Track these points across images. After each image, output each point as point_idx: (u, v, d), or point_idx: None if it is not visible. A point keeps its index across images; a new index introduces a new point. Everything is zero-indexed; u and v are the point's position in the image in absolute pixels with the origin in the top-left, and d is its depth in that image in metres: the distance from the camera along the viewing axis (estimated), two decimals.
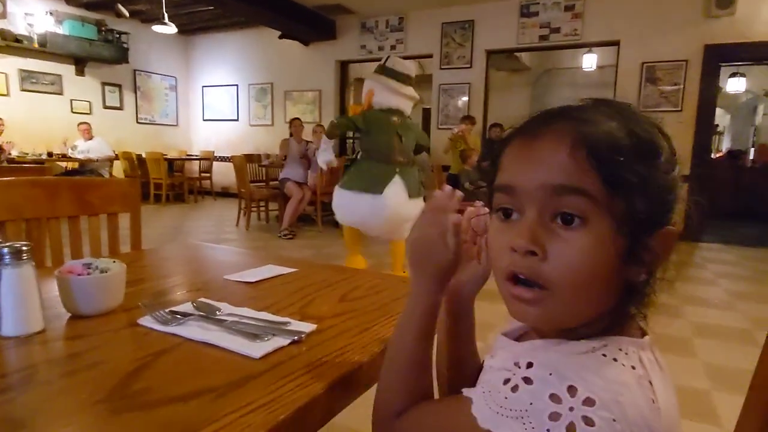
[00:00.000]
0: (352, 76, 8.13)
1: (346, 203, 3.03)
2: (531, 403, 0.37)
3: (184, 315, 0.72)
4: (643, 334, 0.45)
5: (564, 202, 0.39)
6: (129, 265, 1.04)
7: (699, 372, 2.19)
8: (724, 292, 3.49)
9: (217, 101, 8.47)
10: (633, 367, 0.39)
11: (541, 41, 5.89)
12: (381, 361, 0.64)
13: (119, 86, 7.73)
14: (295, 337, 0.66)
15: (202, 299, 0.79)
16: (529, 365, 0.39)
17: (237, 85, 8.19)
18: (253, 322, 0.70)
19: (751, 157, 9.01)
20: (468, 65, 6.28)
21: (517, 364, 0.39)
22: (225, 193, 8.26)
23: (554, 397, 0.36)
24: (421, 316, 0.52)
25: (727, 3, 4.90)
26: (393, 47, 6.71)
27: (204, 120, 8.71)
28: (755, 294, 3.46)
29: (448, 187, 0.53)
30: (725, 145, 10.87)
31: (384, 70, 3.05)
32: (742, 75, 8.00)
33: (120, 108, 7.79)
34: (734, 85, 8.09)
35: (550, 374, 0.37)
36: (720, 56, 5.11)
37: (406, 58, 7.23)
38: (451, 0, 6.03)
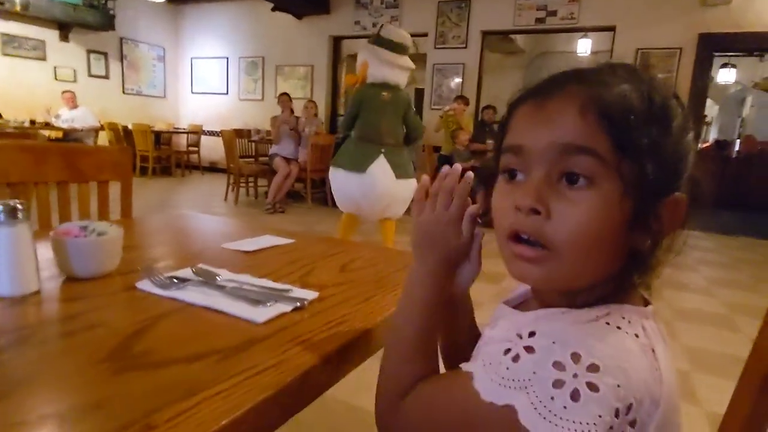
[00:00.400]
0: (345, 52, 7.99)
1: (340, 186, 3.03)
2: (534, 372, 0.36)
3: (183, 280, 0.71)
4: (647, 303, 0.45)
5: (572, 161, 0.39)
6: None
7: (679, 354, 2.25)
8: (703, 279, 3.57)
9: (207, 74, 8.29)
10: (636, 335, 0.39)
11: (538, 24, 5.84)
12: (383, 330, 0.64)
13: (105, 54, 7.51)
14: (298, 304, 0.65)
15: (201, 265, 0.78)
16: (531, 334, 0.38)
17: (227, 57, 8.01)
18: (255, 289, 0.69)
19: (737, 148, 9.14)
20: (463, 45, 6.22)
21: (519, 335, 0.39)
22: (213, 168, 8.15)
23: (558, 365, 0.35)
24: (428, 299, 0.51)
25: None
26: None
27: (193, 93, 8.52)
28: (733, 281, 3.55)
29: (457, 167, 0.52)
30: (712, 135, 11.00)
31: (379, 41, 2.95)
32: (733, 66, 8.06)
33: (106, 77, 7.58)
34: (725, 76, 8.16)
35: (554, 342, 0.37)
36: (714, 45, 5.12)
37: None
38: None
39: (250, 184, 6.06)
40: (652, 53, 5.32)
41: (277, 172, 5.16)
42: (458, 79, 6.31)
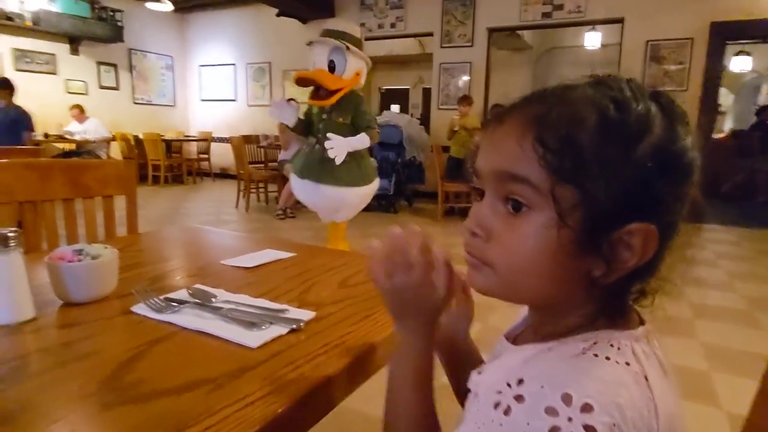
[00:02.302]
0: None
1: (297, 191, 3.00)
2: (528, 423, 0.34)
3: (179, 302, 0.70)
4: (641, 322, 0.43)
5: (511, 188, 0.39)
6: (124, 249, 1.02)
7: (698, 353, 2.19)
8: (724, 273, 3.49)
9: (215, 81, 8.35)
10: (627, 363, 0.37)
11: (544, 18, 5.76)
12: (382, 350, 0.62)
13: (114, 66, 7.61)
14: (294, 326, 0.64)
15: (198, 285, 0.77)
16: (520, 382, 0.36)
17: (234, 64, 8.07)
18: (251, 310, 0.68)
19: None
20: (469, 44, 6.17)
21: (508, 384, 0.37)
22: (224, 175, 8.21)
23: (550, 410, 0.34)
24: (418, 365, 0.49)
25: None
26: (393, 25, 6.58)
27: (201, 100, 8.60)
28: (754, 274, 3.46)
29: (406, 226, 0.49)
30: (727, 125, 10.77)
31: (355, 40, 2.76)
32: (747, 54, 7.89)
33: (116, 88, 7.68)
34: (740, 64, 7.99)
35: (542, 387, 0.35)
36: (726, 34, 5.01)
37: (406, 36, 7.17)
38: None
39: (261, 190, 6.09)
40: (662, 45, 5.21)
41: (288, 178, 5.17)
42: (466, 78, 6.26)
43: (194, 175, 7.97)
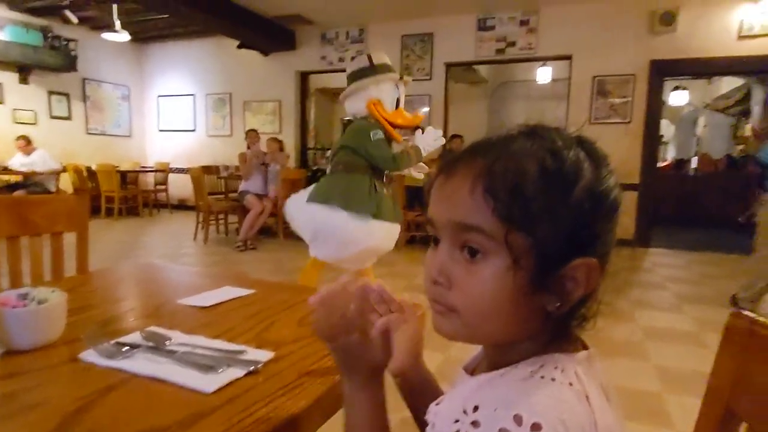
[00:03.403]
0: (312, 87, 8.09)
1: None
2: None
3: (132, 347, 0.68)
4: (584, 347, 0.46)
5: (466, 237, 0.41)
6: (73, 289, 0.98)
7: (651, 375, 2.27)
8: (672, 296, 3.65)
9: (174, 111, 8.23)
10: (570, 384, 0.40)
11: (498, 54, 6.05)
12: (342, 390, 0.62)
13: (67, 95, 7.38)
14: (251, 368, 0.63)
15: (152, 328, 0.75)
16: (476, 408, 0.39)
17: (194, 94, 7.99)
18: (207, 352, 0.67)
19: (694, 165, 9.55)
20: (428, 77, 6.37)
21: (464, 411, 0.40)
22: (182, 206, 8.01)
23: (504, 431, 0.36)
24: (369, 416, 0.51)
25: (669, 20, 5.20)
26: (353, 58, 6.70)
27: (159, 131, 8.44)
28: (700, 297, 3.64)
29: (344, 277, 0.50)
30: (670, 154, 11.47)
31: (378, 69, 2.50)
32: (684, 88, 8.51)
33: (68, 118, 7.44)
34: (677, 98, 8.60)
35: (496, 409, 0.38)
36: (664, 71, 5.40)
37: None
38: (410, 13, 6.11)
39: (220, 222, 5.97)
40: (607, 80, 5.56)
41: (250, 209, 5.11)
42: (426, 109, 6.44)
43: (151, 206, 7.74)
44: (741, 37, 5.03)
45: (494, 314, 0.42)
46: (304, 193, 2.58)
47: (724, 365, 0.58)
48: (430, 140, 2.55)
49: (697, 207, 7.42)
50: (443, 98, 6.38)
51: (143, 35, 7.58)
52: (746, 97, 8.50)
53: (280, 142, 5.74)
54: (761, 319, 0.57)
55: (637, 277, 4.21)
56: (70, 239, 1.31)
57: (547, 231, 0.39)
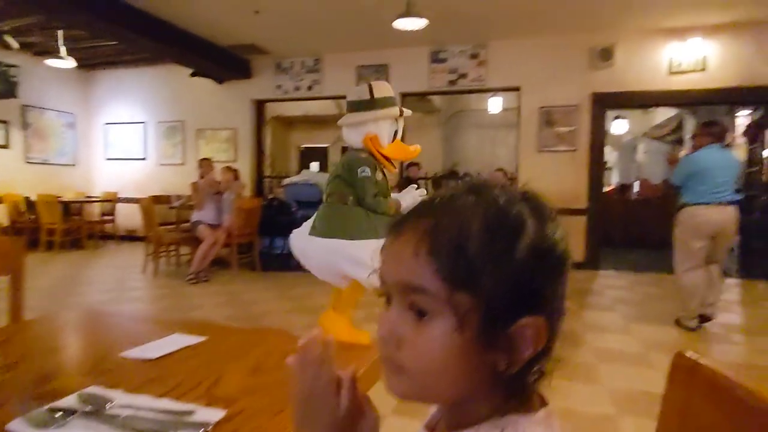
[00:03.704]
0: (269, 115, 8.06)
1: None
2: None
3: (67, 412, 0.63)
4: (543, 402, 0.46)
5: (413, 297, 0.41)
6: (6, 341, 0.91)
7: (605, 398, 2.33)
8: (620, 317, 3.80)
9: (122, 139, 7.95)
10: None
11: (450, 85, 6.26)
12: None
13: (6, 122, 7.00)
14: (201, 430, 0.60)
15: (91, 388, 0.70)
16: None
17: (144, 122, 7.77)
18: (152, 415, 0.63)
19: (636, 190, 10.11)
20: None
21: None
22: (130, 237, 7.67)
23: None
24: None
25: (608, 56, 5.57)
26: (309, 87, 6.78)
27: (107, 159, 8.11)
28: (645, 317, 3.80)
29: (316, 331, 0.48)
30: (614, 179, 12.11)
31: (377, 104, 2.53)
32: (624, 118, 9.08)
33: (6, 146, 7.03)
34: (618, 127, 9.15)
35: None
36: (605, 102, 5.74)
37: (322, 98, 7.40)
38: (365, 45, 6.25)
39: (171, 253, 5.74)
40: (554, 110, 5.85)
41: (203, 240, 4.95)
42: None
43: (96, 238, 7.36)
44: (671, 73, 5.44)
45: (443, 374, 0.41)
46: (306, 228, 2.60)
47: (670, 405, 0.60)
48: (410, 201, 2.59)
49: (640, 229, 7.82)
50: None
51: (91, 62, 7.34)
52: (679, 127, 9.15)
53: (235, 170, 5.64)
54: (703, 360, 0.60)
55: (589, 300, 4.36)
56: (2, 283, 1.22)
57: (491, 290, 0.39)
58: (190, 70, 6.88)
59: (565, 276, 0.43)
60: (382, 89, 2.58)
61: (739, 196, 3.33)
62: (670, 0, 4.70)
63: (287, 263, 5.56)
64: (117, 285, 4.74)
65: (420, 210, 0.44)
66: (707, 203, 3.17)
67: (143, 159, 7.83)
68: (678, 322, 3.47)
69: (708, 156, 3.23)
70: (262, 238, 5.61)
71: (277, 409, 0.68)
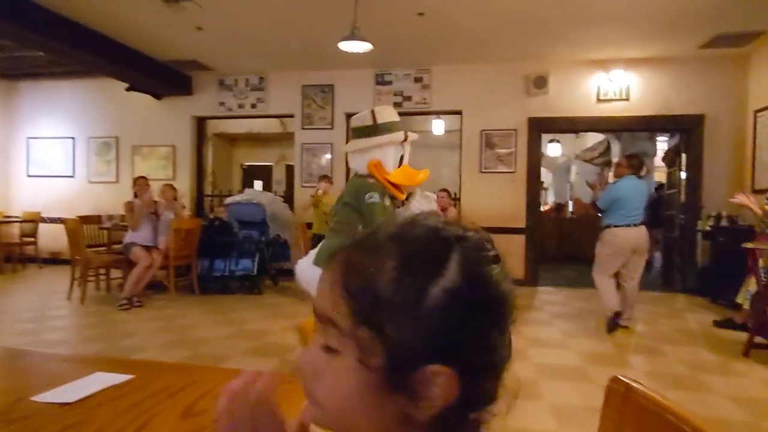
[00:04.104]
0: (210, 132, 7.83)
1: None
2: None
3: None
4: None
5: (327, 330, 0.41)
6: None
7: (546, 413, 2.39)
8: (559, 332, 3.95)
9: (48, 155, 7.42)
10: None
11: (396, 107, 6.36)
12: None
13: None
14: None
15: None
16: None
17: (73, 137, 7.31)
18: None
19: (570, 209, 10.67)
20: (329, 126, 6.49)
21: None
22: (55, 260, 7.12)
23: None
24: None
25: (542, 84, 5.90)
26: (254, 105, 6.67)
27: (29, 176, 7.53)
28: (582, 331, 3.98)
29: (249, 372, 0.46)
30: (550, 198, 12.73)
31: (381, 129, 2.49)
32: (558, 141, 9.61)
33: None
34: (552, 150, 9.67)
35: None
36: (539, 126, 6.06)
37: (267, 117, 7.30)
38: (310, 65, 6.25)
39: (101, 277, 5.38)
40: (493, 133, 6.09)
41: (137, 262, 4.67)
42: (328, 156, 6.52)
43: (15, 262, 6.77)
44: (599, 101, 5.84)
45: (350, 411, 0.40)
46: (311, 257, 2.51)
47: (606, 428, 0.62)
48: (418, 208, 2.58)
49: (574, 246, 8.24)
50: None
51: (13, 72, 6.87)
52: (607, 150, 9.80)
53: (175, 190, 5.40)
54: (635, 384, 0.63)
55: (529, 315, 4.51)
56: None
57: (395, 332, 0.37)
58: (126, 85, 6.58)
59: (502, 324, 0.41)
60: (386, 114, 2.53)
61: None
62: (596, 35, 5.07)
63: (227, 286, 5.37)
64: (37, 314, 4.36)
65: (349, 244, 0.43)
66: (626, 225, 3.73)
67: (71, 176, 7.34)
68: (614, 322, 3.86)
69: (627, 185, 3.80)
70: (201, 259, 5.39)
71: None
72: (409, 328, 0.37)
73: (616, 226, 3.76)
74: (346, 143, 6.40)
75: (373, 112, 2.55)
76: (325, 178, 5.62)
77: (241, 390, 0.45)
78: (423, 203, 2.63)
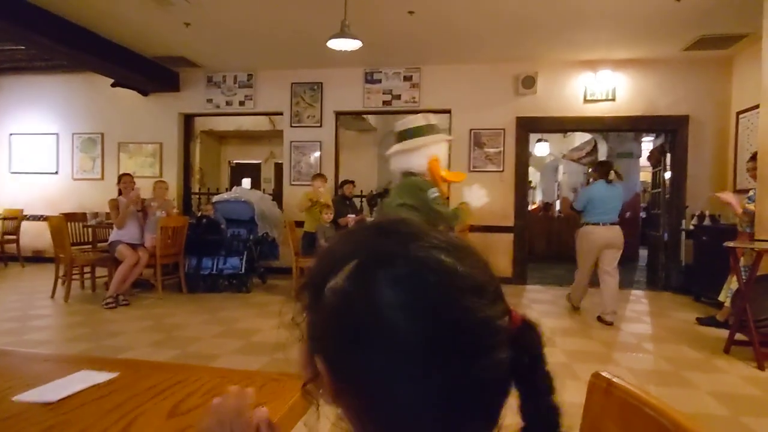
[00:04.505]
0: (198, 129, 7.76)
1: None
2: None
3: None
4: None
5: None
6: None
7: None
8: (546, 330, 3.97)
9: (31, 151, 7.29)
10: None
11: (385, 106, 6.38)
12: None
13: None
14: None
15: None
16: None
17: (57, 134, 7.19)
18: None
19: (558, 208, 10.75)
20: (318, 124, 6.47)
21: None
22: (38, 258, 7.01)
23: None
24: None
25: (530, 84, 5.93)
26: (242, 102, 6.62)
27: (11, 172, 7.40)
28: (568, 329, 4.02)
29: (234, 388, 0.49)
30: (538, 197, 12.83)
31: (436, 129, 2.61)
32: (546, 141, 9.68)
33: None
34: (540, 149, 9.74)
35: None
36: (527, 126, 6.10)
37: (255, 114, 7.25)
38: (299, 63, 6.22)
39: (86, 275, 5.30)
40: (482, 133, 6.12)
41: (122, 260, 4.61)
42: (317, 155, 6.49)
43: None
44: (586, 101, 5.90)
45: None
46: None
47: (588, 421, 0.63)
48: (475, 198, 2.71)
49: (562, 245, 8.31)
50: (334, 145, 6.50)
51: None
52: (594, 149, 9.89)
53: (167, 186, 5.33)
54: (616, 379, 0.64)
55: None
56: None
57: (312, 319, 0.42)
58: (111, 80, 6.49)
59: (378, 344, 0.37)
60: (431, 118, 2.68)
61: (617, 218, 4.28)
62: (584, 36, 5.11)
63: (215, 285, 5.33)
64: (20, 313, 4.29)
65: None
66: (597, 223, 4.22)
67: (55, 173, 7.23)
68: (599, 319, 4.20)
69: (597, 189, 4.30)
70: (189, 258, 5.34)
71: None
72: (314, 319, 0.42)
73: (590, 224, 4.26)
74: (336, 141, 6.47)
75: (424, 115, 2.71)
76: (320, 176, 5.52)
77: (222, 406, 0.48)
78: (480, 194, 2.74)
